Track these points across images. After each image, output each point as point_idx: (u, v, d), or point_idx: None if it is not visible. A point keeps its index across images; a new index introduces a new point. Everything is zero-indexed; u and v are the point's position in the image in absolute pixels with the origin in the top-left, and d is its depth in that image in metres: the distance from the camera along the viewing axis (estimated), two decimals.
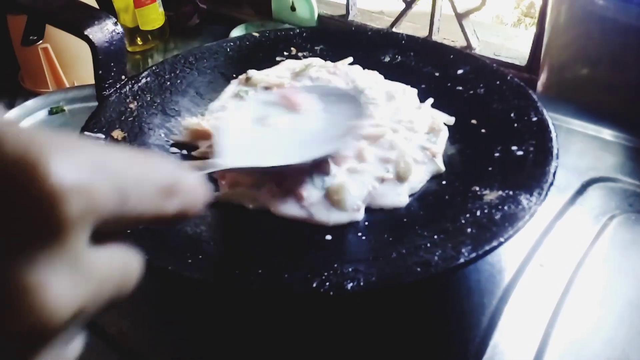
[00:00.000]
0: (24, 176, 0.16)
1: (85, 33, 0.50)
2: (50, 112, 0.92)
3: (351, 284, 0.37)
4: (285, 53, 0.65)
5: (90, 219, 0.17)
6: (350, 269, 0.38)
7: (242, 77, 0.61)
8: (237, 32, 1.06)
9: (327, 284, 0.37)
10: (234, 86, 0.61)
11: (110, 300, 0.19)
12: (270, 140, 0.47)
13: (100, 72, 0.53)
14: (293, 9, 1.08)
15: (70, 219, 0.16)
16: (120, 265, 0.20)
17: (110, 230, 0.19)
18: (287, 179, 0.46)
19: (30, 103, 0.91)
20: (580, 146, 0.63)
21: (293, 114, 0.50)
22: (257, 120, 0.49)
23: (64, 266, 0.17)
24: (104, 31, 0.52)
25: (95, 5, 1.00)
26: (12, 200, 0.16)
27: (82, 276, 0.17)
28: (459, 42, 0.96)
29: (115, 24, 0.53)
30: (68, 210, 0.16)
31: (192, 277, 0.37)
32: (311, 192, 0.45)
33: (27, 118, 0.90)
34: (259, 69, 0.62)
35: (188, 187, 0.22)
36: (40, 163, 0.16)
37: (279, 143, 0.46)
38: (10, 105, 0.92)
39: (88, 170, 0.17)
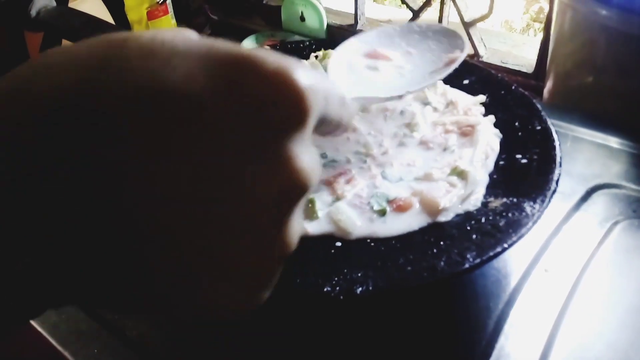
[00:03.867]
0: (282, 80, 0.21)
1: None
2: None
3: (360, 289, 0.38)
4: None
5: (316, 113, 0.23)
6: (359, 274, 0.39)
7: None
8: (248, 42, 1.08)
9: (338, 288, 0.38)
10: None
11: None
12: (376, 78, 0.50)
13: None
14: (302, 19, 1.10)
15: (310, 109, 0.22)
16: (318, 159, 0.25)
17: (314, 129, 0.25)
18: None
19: None
20: (586, 154, 0.64)
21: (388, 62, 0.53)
22: (362, 64, 0.52)
23: (307, 147, 0.23)
24: None
25: (110, 18, 1.03)
26: (278, 96, 0.21)
27: (313, 157, 0.24)
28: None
29: None
30: (309, 102, 0.22)
31: None
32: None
33: None
34: None
35: (349, 102, 0.30)
36: (290, 72, 0.22)
37: (384, 81, 0.50)
38: None
39: (314, 79, 0.23)
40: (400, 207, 0.46)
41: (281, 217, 0.23)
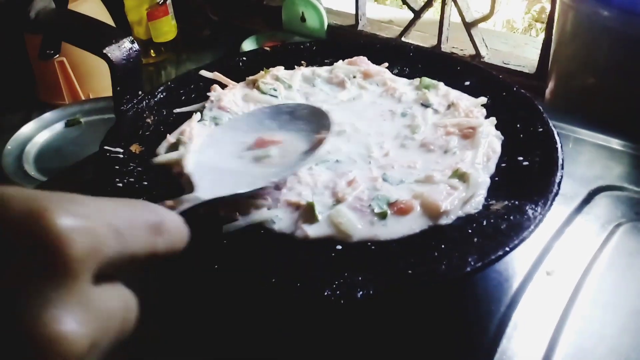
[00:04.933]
0: (33, 226, 0.18)
1: (104, 52, 0.52)
2: (67, 124, 0.94)
3: (361, 292, 0.38)
4: (295, 67, 0.67)
5: (95, 259, 0.19)
6: (360, 278, 0.39)
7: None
8: (248, 42, 1.07)
9: (338, 292, 0.38)
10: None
11: (116, 336, 0.21)
12: (244, 168, 0.49)
13: (119, 88, 0.55)
14: (303, 19, 1.09)
15: (77, 259, 0.19)
16: (122, 301, 0.22)
17: (110, 271, 0.21)
18: None
19: (47, 115, 0.93)
20: (587, 155, 0.64)
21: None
22: (232, 154, 0.51)
23: (74, 303, 0.19)
24: (122, 49, 0.54)
25: (110, 20, 1.03)
26: (25, 247, 0.18)
27: (90, 312, 0.19)
28: (467, 50, 0.97)
29: (132, 42, 0.55)
30: (74, 251, 0.18)
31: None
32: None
33: (44, 130, 0.92)
34: None
35: (172, 224, 0.25)
36: (46, 214, 0.18)
37: (252, 170, 0.48)
38: (27, 118, 0.95)
39: (87, 216, 0.20)
40: (401, 210, 0.45)
41: None
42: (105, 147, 0.52)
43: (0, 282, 0.18)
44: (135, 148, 0.54)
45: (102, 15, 1.02)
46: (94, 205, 0.21)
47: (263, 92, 0.61)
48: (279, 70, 0.65)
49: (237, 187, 0.45)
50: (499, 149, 0.52)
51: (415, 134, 0.54)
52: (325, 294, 0.38)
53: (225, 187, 0.44)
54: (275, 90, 0.61)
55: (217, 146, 0.51)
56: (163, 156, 0.53)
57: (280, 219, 0.46)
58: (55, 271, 0.18)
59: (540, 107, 0.55)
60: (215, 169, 0.48)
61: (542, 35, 0.87)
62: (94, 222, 0.20)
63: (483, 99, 0.58)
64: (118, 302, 0.22)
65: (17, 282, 0.18)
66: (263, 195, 0.47)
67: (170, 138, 0.54)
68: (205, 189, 0.43)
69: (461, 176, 0.48)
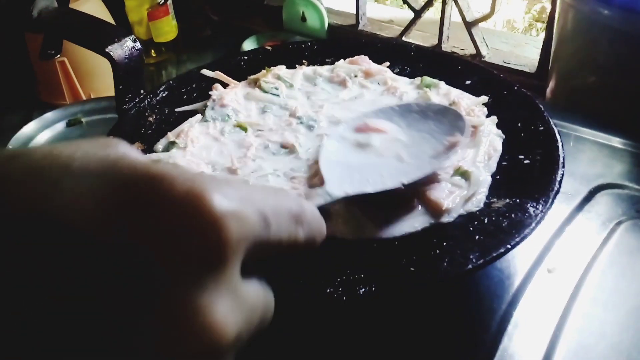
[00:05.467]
0: (192, 206, 0.18)
1: (107, 50, 0.52)
2: (68, 124, 0.94)
3: (363, 290, 0.38)
4: (296, 66, 0.67)
5: (245, 244, 0.19)
6: (362, 275, 0.39)
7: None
8: (248, 42, 1.07)
9: (340, 289, 0.38)
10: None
11: (256, 330, 0.20)
12: (370, 165, 0.47)
13: (121, 87, 0.55)
14: (304, 19, 1.09)
15: (231, 243, 0.18)
16: (263, 297, 0.21)
17: (254, 260, 0.20)
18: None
19: (48, 115, 0.93)
20: (589, 154, 0.64)
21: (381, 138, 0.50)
22: (353, 147, 0.50)
23: (226, 291, 0.18)
24: (124, 48, 0.54)
25: (111, 20, 1.03)
26: (184, 227, 0.17)
27: (239, 302, 0.19)
28: (468, 50, 0.97)
29: (135, 40, 0.55)
30: (229, 233, 0.18)
31: None
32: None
33: (45, 130, 0.92)
34: None
35: (312, 216, 0.24)
36: (204, 195, 0.18)
37: (379, 167, 0.47)
38: (28, 118, 0.95)
39: (239, 200, 0.19)
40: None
41: None
42: None
43: (157, 265, 0.17)
44: (137, 146, 0.54)
45: (103, 15, 1.02)
46: (245, 190, 0.20)
47: (265, 91, 0.61)
48: (281, 70, 0.65)
49: (365, 184, 0.44)
50: (500, 148, 0.52)
51: None
52: (327, 291, 0.38)
53: (353, 183, 0.44)
54: (276, 89, 0.61)
55: (340, 141, 0.51)
56: (158, 154, 0.53)
57: None
58: (210, 255, 0.18)
59: (541, 106, 0.55)
60: (339, 162, 0.47)
61: (542, 35, 0.87)
62: (247, 207, 0.19)
63: (484, 98, 0.58)
64: (260, 296, 0.21)
65: (173, 264, 0.17)
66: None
67: (171, 135, 0.54)
68: (334, 183, 0.43)
69: (463, 174, 0.48)
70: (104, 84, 1.01)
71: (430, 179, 0.47)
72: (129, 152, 0.19)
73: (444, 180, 0.47)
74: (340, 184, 0.43)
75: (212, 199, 0.18)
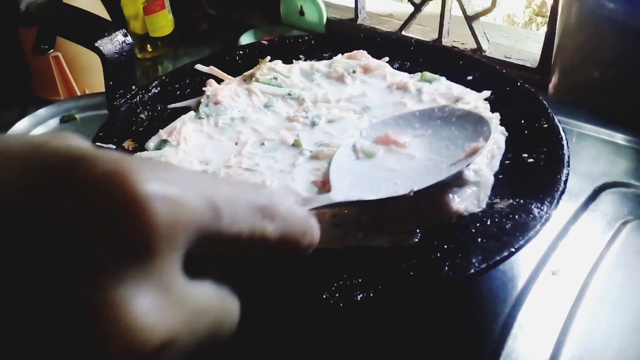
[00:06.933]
0: (113, 186, 0.16)
1: (96, 45, 0.51)
2: (62, 121, 0.92)
3: (361, 295, 0.37)
4: (293, 61, 0.65)
5: (184, 236, 0.17)
6: (360, 280, 0.38)
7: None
8: (246, 37, 1.06)
9: (337, 294, 0.37)
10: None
11: (205, 339, 0.18)
12: (377, 173, 0.45)
13: (111, 82, 0.54)
14: (302, 13, 1.08)
15: (160, 229, 0.16)
16: (217, 303, 0.19)
17: (207, 253, 0.18)
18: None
19: (42, 111, 0.92)
20: (592, 151, 0.63)
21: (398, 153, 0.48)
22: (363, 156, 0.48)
23: (156, 287, 0.16)
24: (114, 42, 0.52)
25: (106, 14, 1.01)
26: (102, 209, 0.15)
27: (171, 302, 0.17)
28: (469, 44, 0.96)
29: (125, 35, 0.54)
30: (156, 218, 0.16)
31: None
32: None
33: (38, 126, 0.90)
34: None
35: (287, 212, 0.22)
36: (128, 175, 0.16)
37: (387, 175, 0.45)
38: (22, 114, 0.93)
39: (176, 184, 0.17)
40: None
41: None
42: (97, 144, 0.51)
43: (68, 252, 0.15)
44: (128, 144, 0.52)
45: (98, 9, 1.01)
46: (191, 176, 0.19)
47: (264, 83, 0.60)
48: (277, 64, 0.63)
49: (374, 192, 0.42)
50: (503, 146, 0.50)
51: None
52: (324, 297, 0.37)
53: (362, 190, 0.42)
54: (275, 79, 0.60)
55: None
56: (149, 153, 0.52)
57: None
58: (130, 240, 0.16)
59: (545, 102, 0.54)
60: (352, 171, 0.45)
61: (543, 29, 0.86)
62: (185, 192, 0.17)
63: (487, 93, 0.56)
64: (212, 300, 0.19)
65: (89, 251, 0.15)
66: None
67: (163, 133, 0.53)
68: (340, 191, 0.41)
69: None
70: (98, 79, 0.98)
71: (449, 184, 0.45)
72: (74, 141, 0.17)
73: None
74: (349, 192, 0.42)
75: (137, 180, 0.16)
